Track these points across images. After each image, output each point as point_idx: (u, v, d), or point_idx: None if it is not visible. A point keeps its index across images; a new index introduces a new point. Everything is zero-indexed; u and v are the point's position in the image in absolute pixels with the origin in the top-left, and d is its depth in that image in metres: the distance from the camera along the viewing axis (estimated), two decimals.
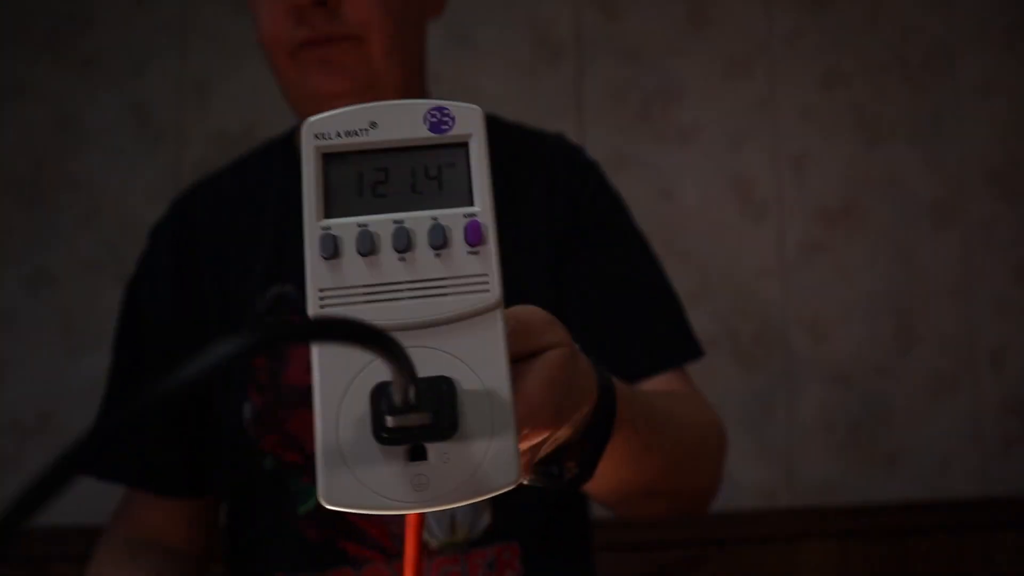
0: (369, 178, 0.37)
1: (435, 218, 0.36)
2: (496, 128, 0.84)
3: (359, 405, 0.33)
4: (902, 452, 1.69)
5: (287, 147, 0.85)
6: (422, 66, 0.82)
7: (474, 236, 0.35)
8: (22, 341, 1.60)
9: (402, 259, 0.35)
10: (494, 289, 0.35)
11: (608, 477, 0.51)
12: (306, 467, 0.72)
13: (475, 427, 0.34)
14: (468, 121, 0.38)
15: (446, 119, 0.37)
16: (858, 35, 1.75)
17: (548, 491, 0.50)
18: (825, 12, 1.75)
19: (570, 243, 0.78)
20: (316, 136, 0.38)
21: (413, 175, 0.37)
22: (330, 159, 0.37)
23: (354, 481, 0.33)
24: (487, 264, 0.35)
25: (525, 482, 0.44)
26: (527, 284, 0.75)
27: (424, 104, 0.38)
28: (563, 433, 0.43)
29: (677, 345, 0.79)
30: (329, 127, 0.38)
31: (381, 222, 0.36)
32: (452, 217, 0.36)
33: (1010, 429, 1.71)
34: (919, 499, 1.67)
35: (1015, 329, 1.73)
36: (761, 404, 1.68)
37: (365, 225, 0.36)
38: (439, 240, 0.35)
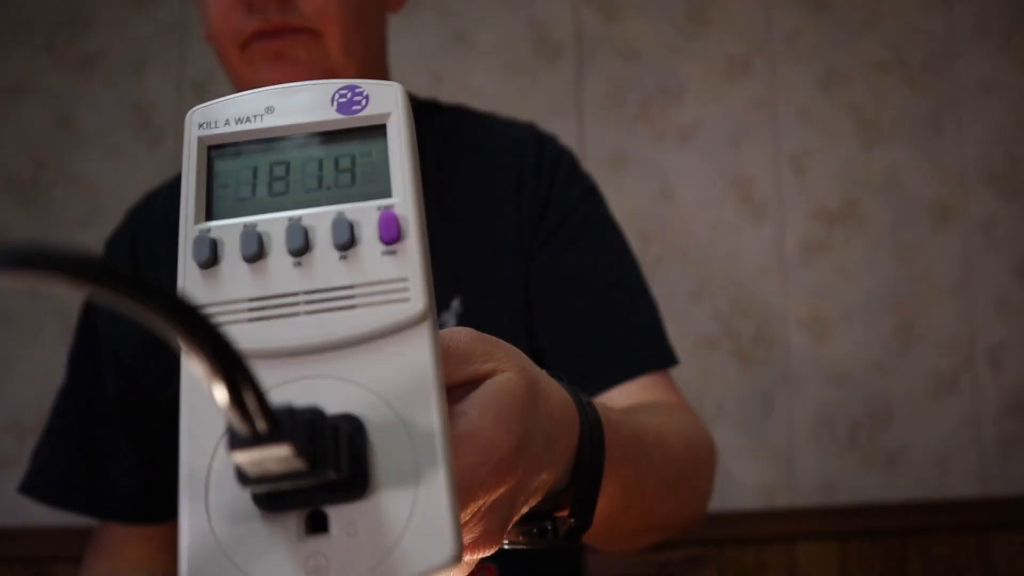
0: (264, 173, 0.30)
1: (340, 212, 0.28)
2: (464, 119, 0.79)
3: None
4: (901, 452, 1.69)
5: None
6: (383, 62, 0.77)
7: (389, 231, 0.28)
8: (22, 341, 1.60)
9: (298, 264, 0.28)
10: (417, 297, 0.27)
11: (599, 516, 0.45)
12: None
13: (393, 482, 0.25)
14: (385, 99, 0.31)
15: (358, 98, 0.31)
16: (858, 35, 1.75)
17: (541, 551, 0.42)
18: (825, 12, 1.75)
19: (539, 239, 0.73)
20: (200, 125, 0.31)
21: (320, 168, 0.30)
22: (217, 152, 0.30)
23: (228, 567, 0.25)
24: (407, 266, 0.28)
25: (506, 546, 0.38)
26: (494, 285, 0.71)
27: (332, 84, 0.31)
28: (547, 479, 0.36)
29: (654, 348, 0.71)
30: (217, 114, 0.31)
31: (272, 221, 0.28)
32: (362, 211, 0.28)
33: (1009, 429, 1.71)
34: (918, 499, 1.67)
35: (1014, 329, 1.73)
36: (761, 404, 1.68)
37: (253, 225, 0.28)
38: (344, 238, 0.28)
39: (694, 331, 1.67)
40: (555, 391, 0.37)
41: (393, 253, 0.28)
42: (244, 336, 0.27)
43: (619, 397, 0.67)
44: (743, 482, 1.66)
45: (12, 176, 1.64)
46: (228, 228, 0.29)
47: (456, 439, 0.29)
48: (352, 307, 0.27)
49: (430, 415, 0.26)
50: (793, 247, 1.71)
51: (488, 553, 0.33)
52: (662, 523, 0.58)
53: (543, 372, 0.37)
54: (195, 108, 0.31)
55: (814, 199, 1.72)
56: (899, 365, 1.70)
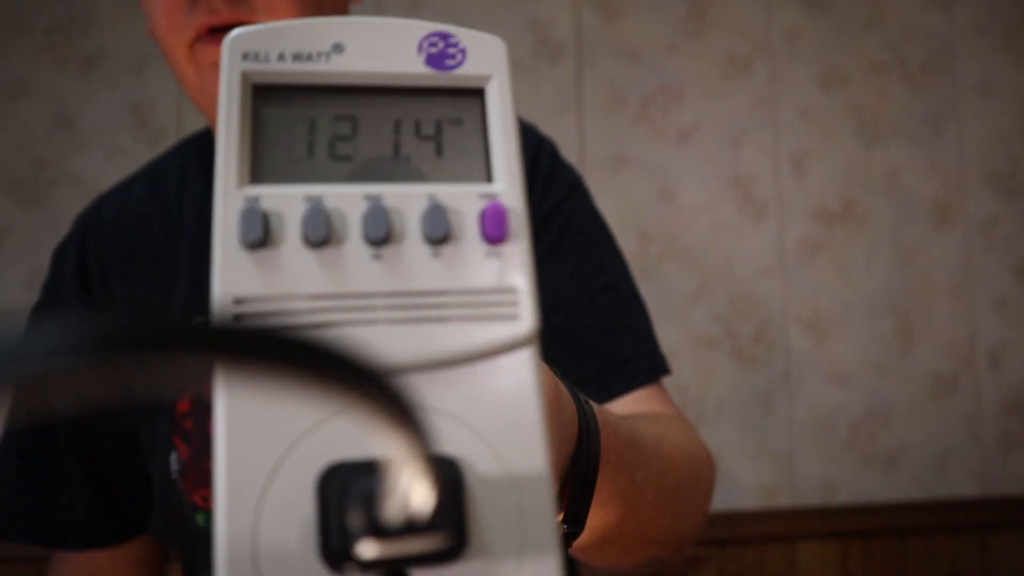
0: (326, 129, 0.24)
1: (433, 196, 0.23)
2: None
3: (296, 499, 0.20)
4: (901, 452, 1.69)
5: (205, 146, 0.72)
6: None
7: (495, 228, 0.22)
8: None
9: (377, 256, 0.22)
10: (527, 313, 0.22)
11: (592, 525, 0.42)
12: None
13: (495, 542, 0.20)
14: (486, 57, 0.25)
15: (453, 51, 0.25)
16: (858, 35, 1.75)
17: None
18: (825, 12, 1.75)
19: None
20: (245, 57, 0.24)
21: (397, 130, 0.24)
22: (265, 94, 0.24)
23: None
24: (516, 273, 0.22)
25: None
26: None
27: (419, 26, 0.25)
28: None
29: (647, 360, 0.66)
30: (268, 45, 0.24)
31: (344, 196, 0.22)
32: (460, 197, 0.23)
33: (1009, 429, 1.71)
34: (918, 499, 1.67)
35: (1014, 329, 1.73)
36: (761, 404, 1.68)
37: (319, 198, 0.22)
38: (440, 230, 0.22)
39: (694, 331, 1.67)
40: (564, 392, 0.35)
41: (498, 256, 0.22)
42: None
43: (614, 410, 0.63)
44: (743, 482, 1.66)
45: (12, 176, 1.64)
46: (285, 198, 0.22)
47: None
48: (445, 319, 0.22)
49: (537, 462, 0.21)
50: (793, 247, 1.71)
51: None
52: (658, 537, 0.55)
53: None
54: (237, 32, 0.24)
55: (814, 199, 1.72)
56: (899, 365, 1.70)
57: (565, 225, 0.68)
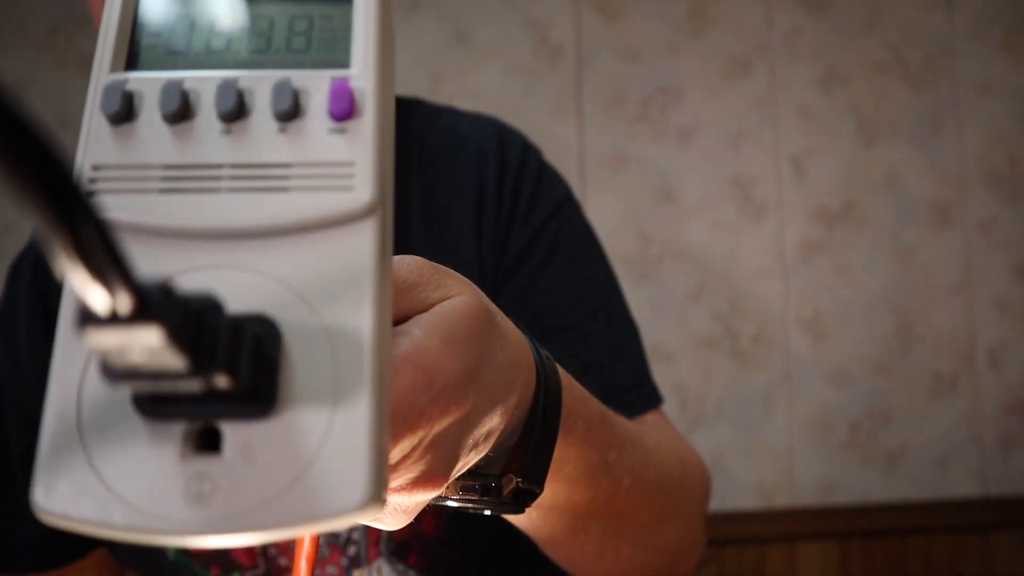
0: (202, 25, 0.25)
1: (286, 78, 0.23)
2: (421, 115, 0.68)
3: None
4: (901, 452, 1.69)
5: None
6: None
7: (340, 105, 0.23)
8: None
9: (227, 132, 0.23)
10: (364, 186, 0.22)
11: (557, 500, 0.39)
12: (214, 557, 0.61)
13: (306, 401, 0.20)
14: None
15: None
16: (858, 35, 1.75)
17: (483, 516, 0.37)
18: (825, 12, 1.75)
19: (507, 264, 0.63)
20: None
21: (271, 27, 0.25)
22: None
23: (93, 480, 0.20)
24: (357, 148, 0.23)
25: (452, 503, 0.35)
26: None
27: None
28: (499, 424, 0.32)
29: (640, 390, 0.63)
30: None
31: (203, 79, 0.23)
32: (312, 79, 0.24)
33: (1009, 429, 1.71)
34: (918, 499, 1.67)
35: (1014, 329, 1.73)
36: (761, 404, 1.68)
37: (179, 81, 0.23)
38: (285, 105, 0.23)
39: (694, 331, 1.67)
40: (512, 330, 0.34)
41: (342, 132, 0.23)
42: (151, 209, 0.22)
43: None
44: (743, 482, 1.66)
45: None
46: (149, 82, 0.24)
47: (396, 361, 0.25)
48: (285, 189, 0.22)
49: (361, 324, 0.21)
50: (793, 247, 1.71)
51: (431, 495, 0.29)
52: (639, 538, 0.51)
53: (499, 309, 0.33)
54: None
55: (814, 199, 1.72)
56: (899, 365, 1.70)
57: (553, 245, 0.64)
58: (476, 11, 1.69)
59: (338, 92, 0.23)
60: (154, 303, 0.17)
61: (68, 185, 0.15)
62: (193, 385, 0.18)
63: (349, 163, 0.23)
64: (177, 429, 0.20)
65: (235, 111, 0.23)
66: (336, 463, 0.20)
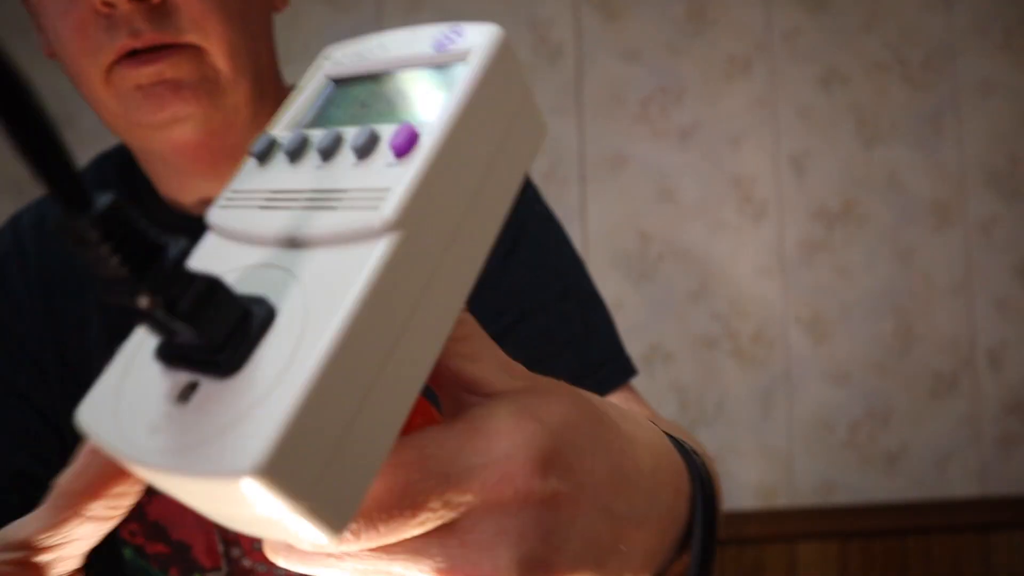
0: (356, 97, 0.30)
1: (376, 126, 0.27)
2: None
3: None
4: (901, 452, 1.69)
5: (125, 163, 0.69)
6: (276, 71, 0.66)
7: (402, 142, 0.25)
8: None
9: (319, 166, 0.27)
10: (386, 206, 0.24)
11: None
12: (173, 558, 0.60)
13: (258, 371, 0.23)
14: (475, 37, 0.28)
15: (452, 36, 0.29)
16: (857, 35, 1.75)
17: None
18: (824, 12, 1.75)
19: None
20: (327, 58, 0.32)
21: (394, 93, 0.30)
22: (334, 82, 0.32)
23: (113, 403, 0.24)
24: (399, 176, 0.25)
25: None
26: None
27: (443, 25, 0.31)
28: (647, 542, 0.28)
29: (616, 362, 0.64)
30: (343, 51, 0.32)
31: (324, 131, 0.28)
32: (392, 126, 0.27)
33: (1009, 429, 1.71)
34: (918, 499, 1.67)
35: (1014, 329, 1.73)
36: (761, 404, 1.68)
37: (306, 133, 0.29)
38: (363, 144, 0.26)
39: (694, 331, 1.67)
40: (645, 436, 0.30)
41: (396, 165, 0.25)
42: (243, 219, 0.27)
43: None
44: (743, 482, 1.66)
45: (12, 176, 1.64)
46: (289, 133, 0.30)
47: (455, 418, 0.25)
48: (332, 208, 0.25)
49: (332, 319, 0.23)
50: (793, 247, 1.71)
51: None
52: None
53: (615, 405, 0.30)
54: (331, 46, 0.33)
55: (814, 199, 1.72)
56: (899, 365, 1.70)
57: (518, 231, 0.65)
58: (476, 10, 1.69)
59: (401, 132, 0.26)
60: (154, 270, 0.21)
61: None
62: (167, 333, 0.23)
63: (386, 188, 0.25)
64: (179, 378, 0.23)
65: (329, 149, 0.27)
66: (249, 430, 0.21)
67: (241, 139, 0.60)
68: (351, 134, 0.27)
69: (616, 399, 0.63)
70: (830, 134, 1.74)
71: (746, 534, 1.62)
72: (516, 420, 0.25)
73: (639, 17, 1.73)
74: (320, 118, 0.30)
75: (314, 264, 0.25)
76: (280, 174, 0.28)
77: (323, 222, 0.25)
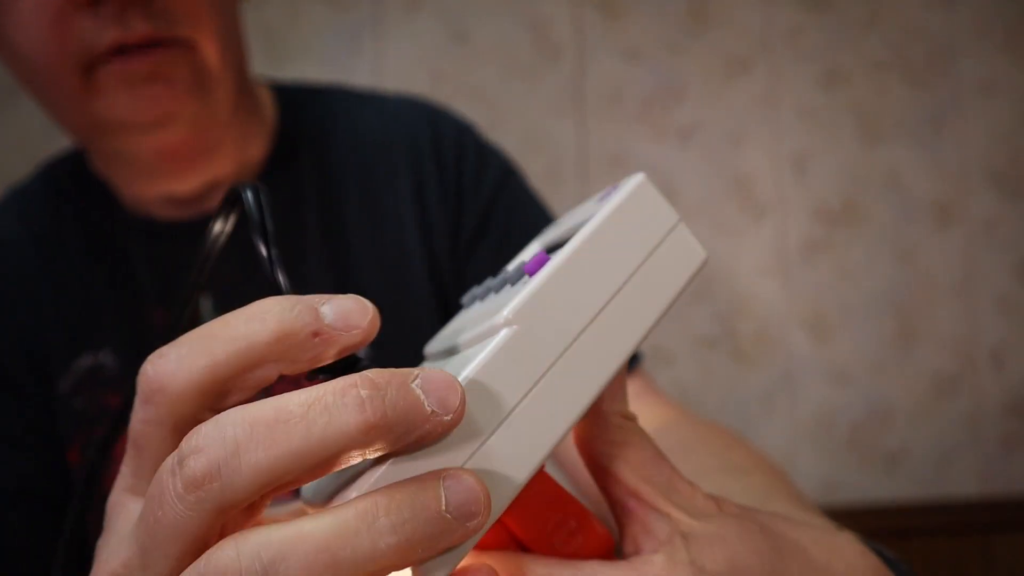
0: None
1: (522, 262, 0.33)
2: (344, 104, 0.66)
3: None
4: (902, 452, 1.69)
5: (78, 169, 0.65)
6: (247, 64, 0.63)
7: (533, 265, 0.30)
8: None
9: (490, 299, 0.33)
10: (506, 308, 0.28)
11: None
12: None
13: None
14: (624, 185, 0.32)
15: (612, 190, 0.33)
16: (859, 34, 1.75)
17: None
18: (826, 11, 1.75)
19: (462, 246, 0.62)
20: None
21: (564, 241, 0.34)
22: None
23: None
24: (525, 288, 0.29)
25: None
26: (402, 304, 0.61)
27: (612, 186, 0.34)
28: None
29: None
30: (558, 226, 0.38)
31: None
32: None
33: (1011, 429, 1.71)
34: (919, 499, 1.67)
35: (1016, 329, 1.72)
36: (761, 404, 1.68)
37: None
38: (512, 274, 0.32)
39: (694, 331, 1.67)
40: (838, 555, 0.29)
41: (528, 282, 0.29)
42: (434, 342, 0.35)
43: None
44: None
45: (12, 176, 1.64)
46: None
47: (614, 564, 0.25)
48: (480, 323, 0.29)
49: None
50: (794, 247, 1.71)
51: None
52: None
53: (809, 526, 0.29)
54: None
55: (815, 199, 1.72)
56: (900, 365, 1.70)
57: (506, 221, 0.64)
58: (476, 10, 1.69)
59: (536, 258, 0.29)
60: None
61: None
62: None
63: (513, 296, 0.28)
64: None
65: (499, 285, 0.32)
66: None
67: (219, 135, 0.58)
68: (510, 273, 0.31)
69: (633, 388, 0.62)
70: (831, 134, 1.73)
71: None
72: (671, 570, 0.25)
73: (640, 16, 1.73)
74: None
75: (457, 357, 0.29)
76: (470, 311, 0.33)
77: (472, 331, 0.29)
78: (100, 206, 0.63)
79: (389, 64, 1.66)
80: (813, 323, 1.70)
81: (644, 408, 0.62)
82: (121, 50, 0.49)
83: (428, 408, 0.22)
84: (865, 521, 1.65)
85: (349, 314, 0.24)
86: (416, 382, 0.22)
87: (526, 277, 0.29)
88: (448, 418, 0.22)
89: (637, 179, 0.31)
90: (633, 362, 0.64)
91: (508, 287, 0.30)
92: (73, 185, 0.65)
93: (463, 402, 0.23)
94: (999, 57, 1.76)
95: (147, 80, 0.50)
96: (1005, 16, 1.77)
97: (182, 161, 0.57)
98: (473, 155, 0.65)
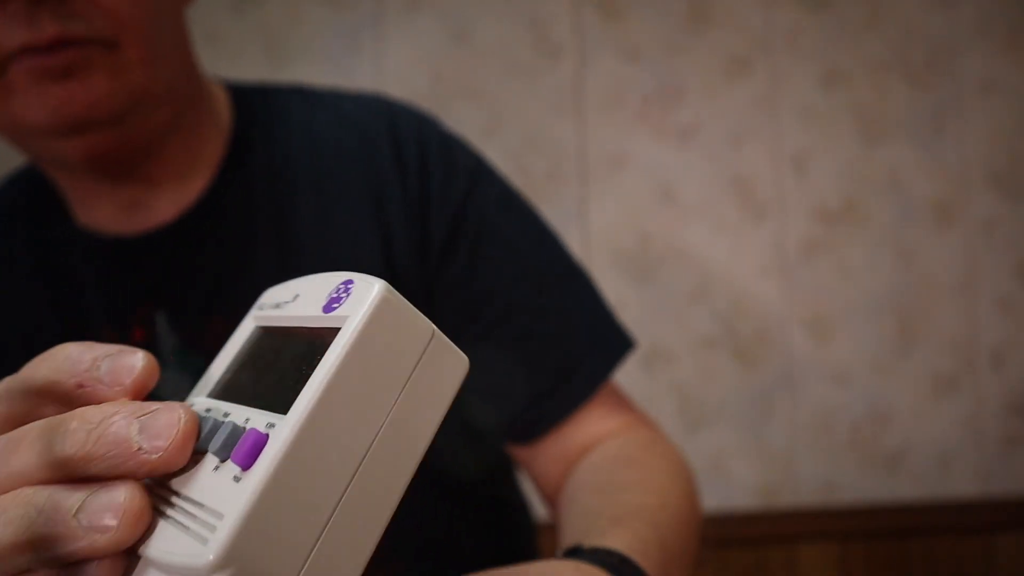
0: (261, 360, 0.29)
1: (247, 418, 0.25)
2: (299, 104, 0.63)
3: None
4: (903, 452, 1.69)
5: (35, 188, 0.63)
6: (194, 66, 0.59)
7: (245, 454, 0.23)
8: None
9: (196, 462, 0.25)
10: (214, 547, 0.22)
11: None
12: None
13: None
14: (357, 301, 0.25)
15: (340, 296, 0.26)
16: (859, 34, 1.75)
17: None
18: (826, 11, 1.75)
19: (433, 255, 0.58)
20: (259, 306, 0.32)
21: (279, 361, 0.28)
22: (258, 332, 0.31)
23: None
24: (234, 501, 0.22)
25: None
26: None
27: (339, 277, 0.28)
28: None
29: (608, 337, 0.60)
30: (272, 297, 0.31)
31: (220, 408, 0.27)
32: (255, 421, 0.25)
33: (1011, 429, 1.70)
34: (920, 499, 1.67)
35: (1016, 329, 1.72)
36: (761, 404, 1.67)
37: (208, 409, 0.27)
38: (224, 448, 0.24)
39: (694, 331, 1.67)
40: None
41: (238, 480, 0.23)
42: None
43: (578, 437, 0.59)
44: (743, 483, 1.65)
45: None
46: (205, 401, 0.29)
47: None
48: (178, 525, 0.24)
49: None
50: (794, 247, 1.71)
51: None
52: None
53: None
54: (269, 291, 0.33)
55: (815, 199, 1.72)
56: (901, 365, 1.70)
57: (479, 226, 0.59)
58: (476, 9, 1.69)
59: (249, 443, 0.23)
60: None
61: None
62: None
63: (218, 515, 0.23)
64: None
65: (206, 446, 0.25)
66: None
67: (159, 139, 0.56)
68: (222, 428, 0.25)
69: (601, 415, 0.60)
70: (831, 133, 1.73)
71: (746, 535, 1.62)
72: None
73: (639, 16, 1.73)
74: (234, 389, 0.29)
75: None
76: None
77: (162, 542, 0.24)
78: (51, 221, 0.61)
79: (389, 64, 1.66)
80: (813, 323, 1.70)
81: (597, 423, 0.60)
82: (35, 48, 0.46)
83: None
84: (866, 521, 1.65)
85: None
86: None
87: (236, 468, 0.23)
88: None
89: (375, 292, 0.25)
90: (615, 359, 0.61)
91: (216, 463, 0.24)
92: (28, 200, 0.62)
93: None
94: (1000, 57, 1.76)
95: (59, 79, 0.47)
96: (1006, 16, 1.76)
97: (116, 165, 0.54)
98: (437, 155, 0.60)
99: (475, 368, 0.28)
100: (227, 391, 0.29)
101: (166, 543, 0.23)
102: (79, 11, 0.46)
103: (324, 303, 0.27)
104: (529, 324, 0.59)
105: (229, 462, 0.24)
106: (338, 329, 0.25)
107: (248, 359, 0.30)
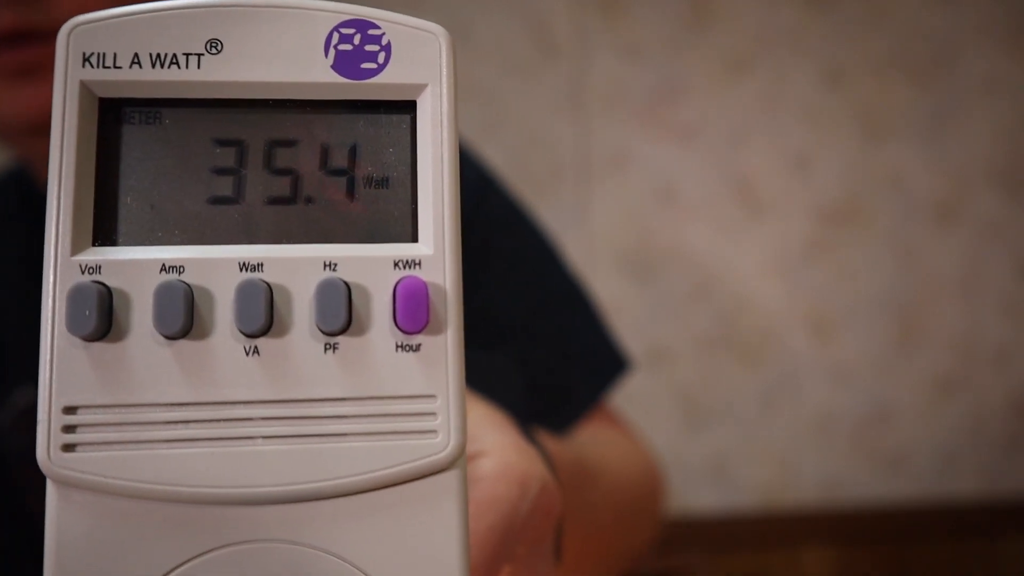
0: (200, 163, 0.18)
1: (333, 265, 0.17)
2: None
3: None
4: (905, 452, 1.68)
5: (20, 186, 0.61)
6: None
7: (411, 314, 0.17)
8: None
9: (254, 351, 0.17)
10: (448, 429, 0.17)
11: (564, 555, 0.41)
12: None
13: None
14: (418, 58, 0.19)
15: (372, 50, 0.19)
16: (862, 33, 1.74)
17: None
18: (828, 10, 1.74)
19: None
20: (86, 59, 0.17)
21: (296, 161, 0.18)
22: (115, 113, 0.17)
23: None
24: (436, 373, 0.17)
25: None
26: None
27: (330, 13, 0.18)
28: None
29: (604, 356, 0.60)
30: (117, 41, 0.17)
31: (215, 264, 0.17)
32: (370, 266, 0.17)
33: (1014, 429, 1.70)
34: (922, 499, 1.66)
35: (1019, 328, 1.71)
36: (763, 404, 1.67)
37: (180, 267, 0.17)
38: (336, 320, 0.17)
39: (696, 331, 1.66)
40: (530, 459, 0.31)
41: (414, 349, 0.17)
42: (155, 467, 0.16)
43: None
44: (744, 483, 1.65)
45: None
46: (137, 268, 0.16)
47: None
48: (341, 435, 0.17)
49: None
50: (796, 246, 1.70)
51: None
52: (619, 553, 0.52)
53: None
54: (75, 24, 0.17)
55: (817, 198, 1.71)
56: (903, 365, 1.69)
57: (481, 242, 0.56)
58: (476, 8, 1.68)
59: (408, 295, 0.17)
60: None
61: None
62: None
63: (428, 396, 0.17)
64: None
65: (265, 325, 0.17)
66: None
67: None
68: (293, 289, 0.18)
69: (591, 426, 0.59)
70: (833, 133, 1.72)
71: (747, 535, 1.61)
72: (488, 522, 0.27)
73: (641, 14, 1.72)
74: (178, 218, 0.18)
75: (353, 530, 0.18)
76: (169, 371, 0.19)
77: (340, 463, 0.19)
78: (39, 223, 0.59)
79: None
80: (815, 323, 1.69)
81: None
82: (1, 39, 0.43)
83: None
84: (867, 522, 1.64)
85: None
86: None
87: (391, 331, 0.17)
88: None
89: (445, 42, 0.19)
90: (606, 384, 0.61)
91: (325, 338, 0.17)
92: (19, 201, 0.60)
93: None
94: (1002, 56, 1.75)
95: (20, 76, 0.44)
96: (1008, 15, 1.76)
97: None
98: None
99: (468, 384, 0.26)
100: (184, 226, 0.17)
101: (358, 459, 0.17)
102: (43, 2, 0.43)
103: (330, 59, 0.18)
104: (522, 347, 0.57)
105: (368, 334, 0.17)
106: (408, 105, 0.18)
107: (170, 160, 0.17)
